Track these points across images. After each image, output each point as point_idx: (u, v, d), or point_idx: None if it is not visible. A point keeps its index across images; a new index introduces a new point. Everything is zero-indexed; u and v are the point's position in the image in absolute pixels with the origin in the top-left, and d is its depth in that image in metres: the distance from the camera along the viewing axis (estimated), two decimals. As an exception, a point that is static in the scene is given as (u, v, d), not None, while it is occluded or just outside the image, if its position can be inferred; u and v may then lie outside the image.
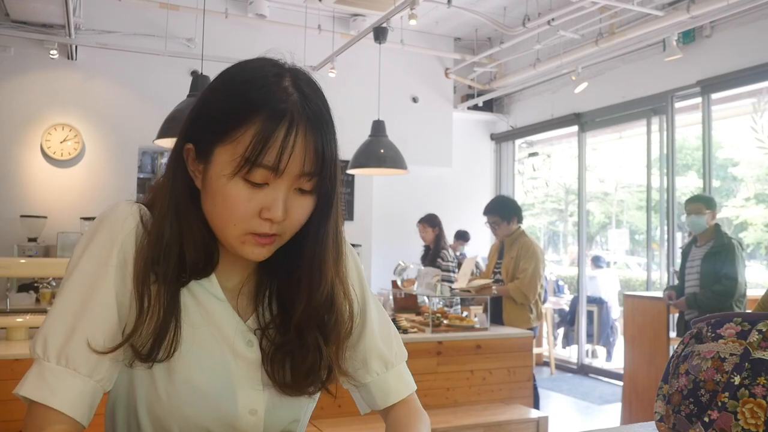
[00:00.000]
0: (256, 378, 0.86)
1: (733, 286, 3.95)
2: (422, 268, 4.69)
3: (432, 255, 5.29)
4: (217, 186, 0.78)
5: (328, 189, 0.82)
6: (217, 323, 0.85)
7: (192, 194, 0.83)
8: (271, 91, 0.78)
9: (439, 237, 5.40)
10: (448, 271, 5.02)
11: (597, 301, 7.24)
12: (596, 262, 7.48)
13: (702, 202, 4.19)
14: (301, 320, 0.86)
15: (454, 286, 4.60)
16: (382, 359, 0.96)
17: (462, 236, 7.05)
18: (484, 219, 4.44)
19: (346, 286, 0.90)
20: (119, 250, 0.80)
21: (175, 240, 0.81)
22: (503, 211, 4.31)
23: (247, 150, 0.75)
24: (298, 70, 0.83)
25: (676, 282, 4.52)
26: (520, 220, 4.33)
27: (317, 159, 0.78)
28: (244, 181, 0.77)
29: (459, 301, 4.47)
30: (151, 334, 0.79)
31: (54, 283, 4.35)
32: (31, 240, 5.53)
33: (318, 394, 0.94)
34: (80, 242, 0.83)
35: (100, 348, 0.78)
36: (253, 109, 0.76)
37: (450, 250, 5.45)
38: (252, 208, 0.78)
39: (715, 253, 4.05)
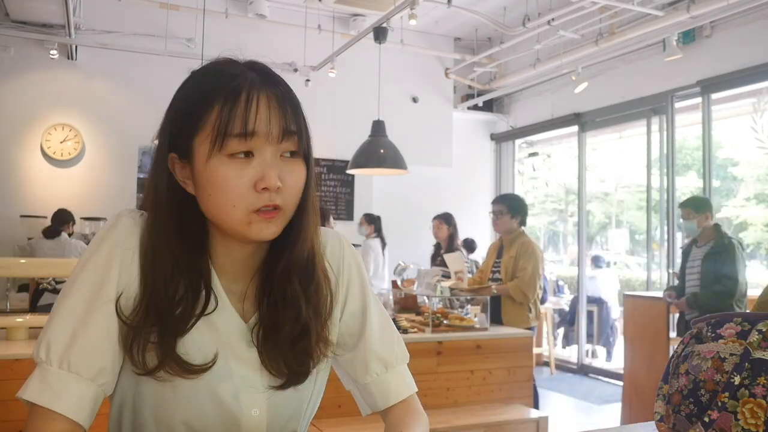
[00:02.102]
0: (257, 378, 0.87)
1: (733, 287, 3.95)
2: (421, 267, 4.69)
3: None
4: (206, 175, 0.80)
5: (306, 153, 0.85)
6: (219, 329, 0.86)
7: (182, 210, 0.84)
8: (228, 74, 0.82)
9: (453, 237, 5.40)
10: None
11: (597, 301, 7.23)
12: (596, 262, 7.48)
13: (690, 207, 4.20)
14: (283, 274, 0.87)
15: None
16: (382, 360, 0.97)
17: (468, 245, 6.98)
18: (490, 208, 4.44)
19: (323, 265, 0.92)
20: (122, 260, 0.82)
21: (170, 276, 0.82)
22: (512, 205, 4.32)
23: (216, 125, 0.79)
24: (255, 61, 0.87)
25: (676, 282, 4.52)
26: (523, 222, 4.32)
27: (285, 116, 0.81)
28: (228, 158, 0.79)
29: (465, 301, 4.47)
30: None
31: (54, 283, 4.35)
32: (31, 240, 5.53)
33: (318, 396, 0.96)
34: (86, 251, 0.85)
35: (101, 355, 0.80)
36: (214, 92, 0.80)
37: (465, 252, 5.44)
38: (245, 184, 0.79)
39: (716, 254, 4.05)
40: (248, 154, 0.80)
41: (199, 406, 0.84)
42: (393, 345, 0.99)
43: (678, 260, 4.86)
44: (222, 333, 0.86)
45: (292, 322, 0.87)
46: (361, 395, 0.99)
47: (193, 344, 0.83)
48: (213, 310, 0.85)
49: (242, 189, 0.79)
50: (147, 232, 0.84)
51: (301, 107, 0.85)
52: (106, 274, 0.81)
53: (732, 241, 4.06)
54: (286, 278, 0.88)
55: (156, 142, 0.86)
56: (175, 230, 0.83)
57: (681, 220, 4.34)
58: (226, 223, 0.82)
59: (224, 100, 0.79)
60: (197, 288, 0.84)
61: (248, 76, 0.82)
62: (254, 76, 0.82)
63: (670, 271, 5.55)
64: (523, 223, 4.33)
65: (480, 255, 6.95)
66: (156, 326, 0.80)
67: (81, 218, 5.67)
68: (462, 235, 7.08)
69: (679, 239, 5.95)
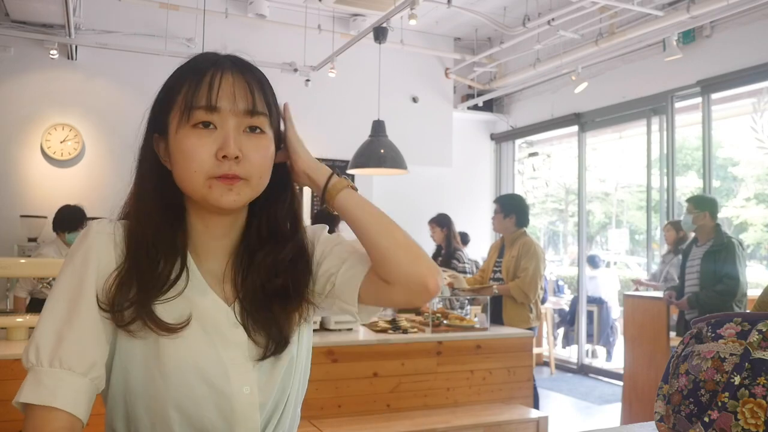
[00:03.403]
0: (245, 357, 0.89)
1: (735, 286, 3.95)
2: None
3: (446, 256, 5.27)
4: (174, 146, 0.87)
5: (276, 129, 0.92)
6: (202, 312, 0.88)
7: (163, 185, 0.89)
8: (203, 60, 0.90)
9: (450, 237, 5.38)
10: (464, 272, 5.00)
11: (597, 301, 7.23)
12: (592, 261, 7.39)
13: (692, 202, 4.25)
14: (258, 240, 0.93)
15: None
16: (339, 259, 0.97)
17: (462, 238, 7.00)
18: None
19: (304, 238, 0.97)
20: (96, 263, 0.86)
21: (147, 252, 0.87)
22: (505, 204, 4.32)
23: (184, 99, 0.86)
24: (234, 54, 0.92)
25: (677, 282, 4.51)
26: (520, 222, 4.29)
27: (252, 95, 0.87)
28: (192, 128, 0.85)
29: (466, 302, 4.46)
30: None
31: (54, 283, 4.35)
32: (31, 240, 5.53)
33: (306, 367, 0.98)
34: (65, 259, 0.89)
35: (90, 350, 0.82)
36: (186, 73, 0.89)
37: (464, 251, 5.43)
38: (206, 152, 0.84)
39: (715, 252, 4.05)
40: (208, 125, 0.85)
41: (190, 392, 0.85)
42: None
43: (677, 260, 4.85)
44: (207, 319, 0.88)
45: (273, 287, 0.91)
46: (345, 303, 0.96)
47: (172, 309, 0.86)
48: (185, 286, 0.88)
49: (203, 156, 0.84)
50: (132, 204, 0.90)
51: (274, 94, 0.91)
52: (84, 274, 0.85)
53: (732, 240, 4.06)
54: (260, 244, 0.93)
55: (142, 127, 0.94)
56: (157, 201, 0.89)
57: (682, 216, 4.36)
58: (189, 189, 0.87)
59: (192, 77, 0.87)
60: (173, 258, 0.88)
61: (218, 60, 0.89)
62: (224, 61, 0.89)
63: (666, 268, 5.50)
64: (521, 223, 4.31)
65: (480, 255, 6.96)
66: (136, 286, 0.84)
67: (81, 218, 5.66)
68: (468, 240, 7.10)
69: (679, 239, 5.94)
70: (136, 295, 0.84)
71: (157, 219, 0.88)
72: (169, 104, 0.88)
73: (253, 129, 0.87)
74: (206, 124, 0.85)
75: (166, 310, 0.86)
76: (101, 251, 0.86)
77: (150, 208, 0.88)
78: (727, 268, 3.98)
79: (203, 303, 0.89)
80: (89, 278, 0.84)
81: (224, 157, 0.84)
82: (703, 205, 4.18)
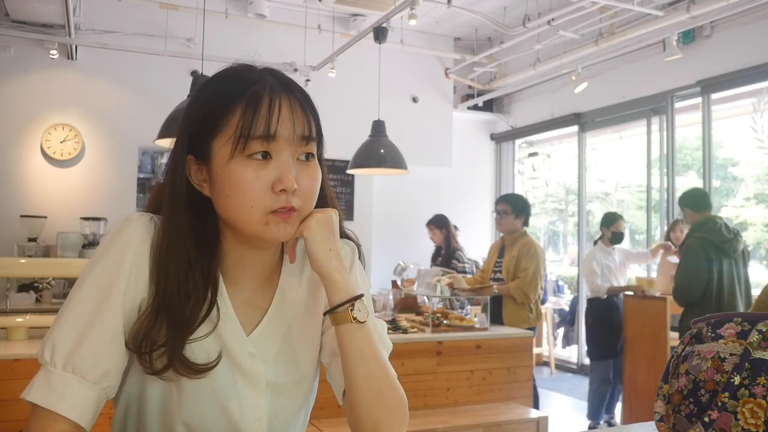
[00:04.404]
0: (261, 389, 0.88)
1: (676, 285, 3.92)
2: (421, 267, 4.69)
3: (446, 256, 5.27)
4: (223, 176, 0.81)
5: (321, 156, 0.89)
6: (227, 341, 0.86)
7: (197, 213, 0.85)
8: (248, 78, 0.84)
9: (449, 238, 5.38)
10: (464, 272, 5.00)
11: (597, 301, 7.20)
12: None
13: (679, 201, 4.25)
14: None
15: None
16: None
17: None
18: (494, 207, 4.46)
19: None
20: (131, 265, 0.82)
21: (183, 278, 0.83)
22: (516, 204, 4.33)
23: (238, 127, 0.80)
24: (271, 67, 0.88)
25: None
26: (526, 222, 4.34)
27: (307, 122, 0.83)
28: (247, 159, 0.80)
29: (466, 302, 4.47)
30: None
31: (54, 283, 4.35)
32: (31, 240, 5.53)
33: (314, 398, 0.96)
34: (95, 253, 0.85)
35: (106, 358, 0.80)
36: (236, 95, 0.82)
37: (464, 251, 5.43)
38: (263, 185, 0.80)
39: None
40: (266, 156, 0.81)
41: (202, 413, 0.85)
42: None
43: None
44: (224, 341, 0.86)
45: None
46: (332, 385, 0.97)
47: (200, 348, 0.84)
48: (217, 321, 0.85)
49: (260, 190, 0.80)
50: (162, 232, 0.83)
51: (318, 112, 0.87)
52: (115, 277, 0.81)
53: (688, 241, 3.94)
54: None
55: (172, 145, 0.87)
56: (192, 231, 0.84)
57: None
58: (243, 224, 0.82)
59: (247, 102, 0.81)
60: (205, 292, 0.84)
61: (268, 81, 0.83)
62: (274, 81, 0.83)
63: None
64: (526, 223, 4.34)
65: (480, 255, 6.96)
66: (166, 327, 0.81)
67: (81, 218, 5.66)
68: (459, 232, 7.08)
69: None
70: (167, 337, 0.80)
71: (191, 251, 0.83)
72: (215, 129, 0.82)
73: (306, 156, 0.84)
74: (264, 155, 0.80)
75: (194, 349, 0.83)
76: (137, 250, 0.82)
77: (184, 238, 0.83)
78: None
79: (227, 332, 0.87)
80: (120, 280, 0.81)
81: (282, 190, 0.80)
82: (682, 202, 4.14)
